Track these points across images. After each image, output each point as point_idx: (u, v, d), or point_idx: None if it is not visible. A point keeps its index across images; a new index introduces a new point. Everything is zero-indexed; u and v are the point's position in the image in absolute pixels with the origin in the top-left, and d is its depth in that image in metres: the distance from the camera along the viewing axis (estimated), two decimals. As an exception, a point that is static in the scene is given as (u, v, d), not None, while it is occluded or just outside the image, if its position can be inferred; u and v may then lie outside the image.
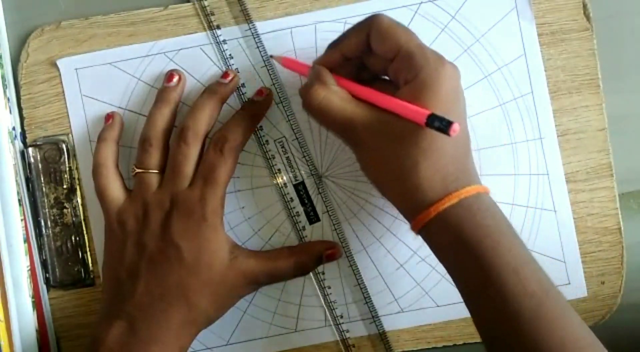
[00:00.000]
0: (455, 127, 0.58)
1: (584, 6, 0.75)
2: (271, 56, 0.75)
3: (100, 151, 0.72)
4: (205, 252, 0.68)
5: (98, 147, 0.73)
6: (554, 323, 0.58)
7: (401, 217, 0.68)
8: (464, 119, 0.65)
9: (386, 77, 0.68)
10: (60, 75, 0.74)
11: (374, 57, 0.67)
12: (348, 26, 0.69)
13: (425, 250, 0.68)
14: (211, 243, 0.68)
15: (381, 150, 0.63)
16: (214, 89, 0.72)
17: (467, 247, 0.61)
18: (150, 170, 0.70)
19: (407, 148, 0.62)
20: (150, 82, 0.75)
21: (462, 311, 0.68)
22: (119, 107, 0.75)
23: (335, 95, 0.65)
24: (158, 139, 0.71)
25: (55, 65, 0.74)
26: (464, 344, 0.77)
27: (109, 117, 0.74)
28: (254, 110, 0.73)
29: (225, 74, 0.73)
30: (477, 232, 0.61)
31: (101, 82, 0.75)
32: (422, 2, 0.74)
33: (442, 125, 0.59)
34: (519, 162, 0.75)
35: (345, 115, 0.64)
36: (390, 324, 0.76)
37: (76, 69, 0.74)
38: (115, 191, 0.72)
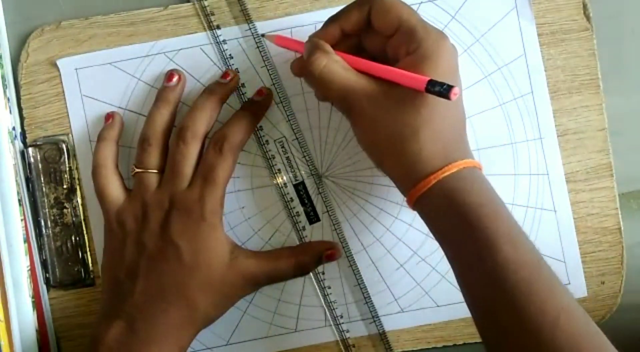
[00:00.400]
0: (456, 90, 0.59)
1: (584, 6, 0.75)
2: (262, 35, 0.75)
3: (99, 151, 0.72)
4: (204, 252, 0.68)
5: (98, 147, 0.73)
6: (549, 293, 0.58)
7: (401, 216, 0.68)
8: (461, 94, 0.65)
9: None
10: (60, 75, 0.74)
11: (372, 36, 0.68)
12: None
13: (426, 250, 0.69)
14: (210, 243, 0.68)
15: (381, 119, 0.64)
16: (213, 89, 0.72)
17: (464, 216, 0.61)
18: (150, 170, 0.70)
19: (407, 115, 0.62)
20: (150, 82, 0.75)
21: (462, 311, 0.68)
22: (119, 107, 0.75)
23: (337, 63, 0.65)
24: (157, 138, 0.71)
25: (55, 65, 0.74)
26: (464, 344, 0.77)
27: (109, 117, 0.74)
28: (254, 110, 0.73)
29: (225, 74, 0.73)
30: (475, 201, 0.61)
31: (101, 82, 0.75)
32: (422, 2, 0.74)
33: (443, 89, 0.59)
34: (519, 162, 0.75)
35: (347, 83, 0.64)
36: (390, 324, 0.76)
37: (76, 69, 0.74)
38: (115, 190, 0.72)
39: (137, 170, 0.71)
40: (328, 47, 0.66)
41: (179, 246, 0.68)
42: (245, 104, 0.74)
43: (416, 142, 0.62)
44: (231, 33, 0.74)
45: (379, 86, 0.64)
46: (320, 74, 0.65)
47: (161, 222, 0.69)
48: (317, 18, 0.74)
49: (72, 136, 0.75)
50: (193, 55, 0.75)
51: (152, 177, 0.71)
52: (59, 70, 0.74)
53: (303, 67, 0.68)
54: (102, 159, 0.72)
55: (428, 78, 0.60)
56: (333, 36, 0.68)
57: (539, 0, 0.75)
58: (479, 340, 0.74)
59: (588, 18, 0.75)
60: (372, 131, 0.65)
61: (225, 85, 0.72)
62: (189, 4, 0.75)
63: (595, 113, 0.75)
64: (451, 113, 0.64)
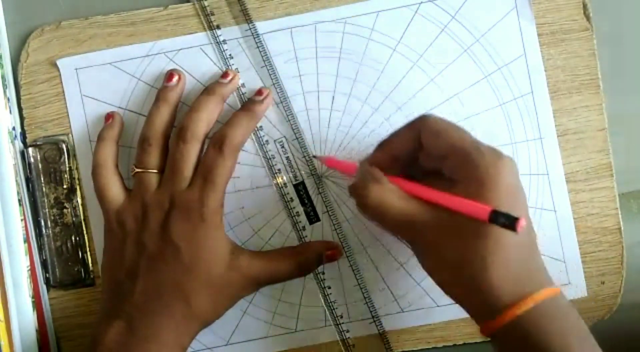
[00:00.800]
0: (522, 222, 0.57)
1: (584, 6, 0.75)
2: (314, 156, 0.75)
3: (99, 151, 0.72)
4: (204, 252, 0.68)
5: (98, 147, 0.73)
6: None
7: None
8: (527, 214, 0.63)
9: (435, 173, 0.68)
10: (60, 75, 0.74)
11: (425, 154, 0.66)
12: (348, 26, 0.70)
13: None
14: (210, 243, 0.68)
15: (444, 250, 0.62)
16: (213, 89, 0.72)
17: None
18: (150, 170, 0.70)
19: (472, 246, 0.60)
20: (150, 82, 0.75)
21: (462, 311, 0.68)
22: (119, 107, 0.75)
23: (392, 193, 0.63)
24: (157, 138, 0.71)
25: (55, 65, 0.74)
26: (464, 344, 0.76)
27: (109, 116, 0.74)
28: (254, 110, 0.73)
29: (225, 74, 0.73)
30: (553, 339, 0.59)
31: (101, 82, 0.75)
32: (422, 2, 0.74)
33: (508, 221, 0.57)
34: (519, 162, 0.75)
35: (404, 214, 0.62)
36: (390, 324, 0.76)
37: (76, 69, 0.74)
38: (115, 190, 0.72)
39: (137, 170, 0.71)
40: (380, 175, 0.64)
41: (179, 246, 0.67)
42: (245, 104, 0.74)
43: (485, 275, 0.60)
44: (231, 33, 0.74)
45: (438, 214, 0.62)
46: (376, 205, 0.63)
47: (161, 223, 0.69)
48: (317, 18, 0.74)
49: (72, 136, 0.75)
50: (193, 55, 0.75)
51: (152, 177, 0.71)
52: (59, 70, 0.74)
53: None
54: (102, 159, 0.72)
55: (490, 208, 0.58)
56: (385, 161, 0.67)
57: (539, 0, 0.75)
58: (478, 340, 0.74)
59: (588, 18, 0.75)
60: (436, 260, 0.63)
61: (225, 86, 0.72)
62: (188, 4, 0.75)
63: (595, 113, 0.75)
64: (519, 241, 0.60)
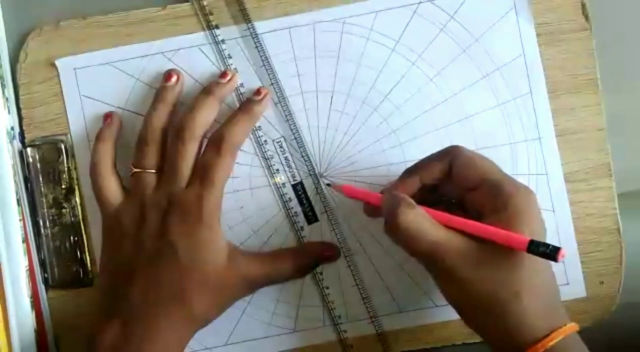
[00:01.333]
0: (563, 252, 0.58)
1: (583, 6, 0.75)
2: (328, 185, 0.75)
3: (97, 151, 0.72)
4: (201, 253, 0.68)
5: (96, 146, 0.73)
6: None
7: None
8: None
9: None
10: (58, 75, 0.74)
11: (450, 185, 0.67)
12: (347, 26, 0.70)
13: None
14: (208, 244, 0.68)
15: (475, 279, 0.61)
16: (212, 89, 0.72)
17: None
18: (148, 170, 0.70)
19: (506, 276, 0.61)
20: (149, 82, 0.75)
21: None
22: (118, 107, 0.74)
23: (424, 218, 0.63)
24: (155, 138, 0.71)
25: (53, 65, 0.74)
26: (464, 344, 0.76)
27: (107, 116, 0.74)
28: (252, 110, 0.73)
29: (223, 74, 0.73)
30: None
31: (100, 82, 0.74)
32: (420, 2, 0.74)
33: (549, 250, 0.58)
34: (518, 162, 0.75)
35: (435, 241, 0.62)
36: (389, 324, 0.76)
37: (75, 69, 0.74)
38: (113, 190, 0.72)
39: (135, 170, 0.71)
40: (410, 200, 0.64)
41: (177, 246, 0.67)
42: (243, 104, 0.74)
43: (518, 305, 0.60)
44: (230, 33, 0.74)
45: (470, 243, 0.62)
46: (407, 229, 0.62)
47: (159, 223, 0.69)
48: (316, 18, 0.74)
49: (71, 136, 0.75)
50: (191, 55, 0.75)
51: (150, 177, 0.70)
52: (57, 70, 0.74)
53: (374, 210, 0.69)
54: (100, 159, 0.72)
55: (528, 239, 0.59)
56: (412, 188, 0.67)
57: (538, 0, 0.75)
58: (478, 340, 0.74)
59: (587, 18, 0.75)
60: (465, 290, 0.62)
61: (223, 85, 0.72)
62: (187, 3, 0.75)
63: (594, 113, 0.75)
64: (549, 273, 0.62)
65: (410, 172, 0.68)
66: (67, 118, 0.75)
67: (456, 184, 0.66)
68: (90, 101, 0.74)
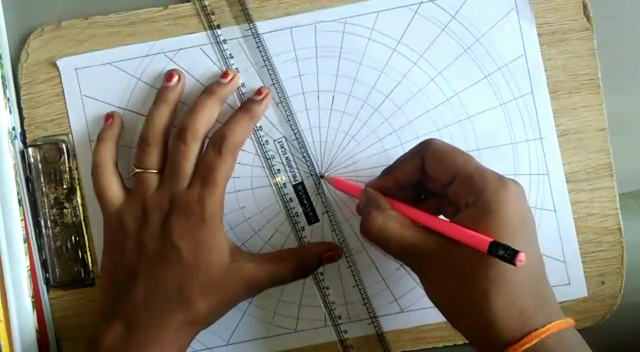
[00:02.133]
0: (521, 256, 0.55)
1: (584, 6, 0.75)
2: (322, 176, 0.75)
3: (99, 151, 0.72)
4: (203, 253, 0.68)
5: (97, 147, 0.73)
6: None
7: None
8: (534, 243, 0.62)
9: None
10: (60, 75, 0.74)
11: (431, 180, 0.66)
12: (348, 26, 0.70)
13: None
14: (210, 244, 0.68)
15: (446, 279, 0.61)
16: (213, 89, 0.72)
17: None
18: (150, 170, 0.70)
19: (474, 278, 0.59)
20: (150, 82, 0.75)
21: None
22: (119, 107, 0.75)
23: (394, 220, 0.63)
24: (157, 139, 0.71)
25: (55, 65, 0.74)
26: (464, 344, 0.76)
27: (109, 117, 0.74)
28: (253, 109, 0.73)
29: (224, 74, 0.73)
30: None
31: (101, 82, 0.75)
32: (422, 2, 0.74)
33: (507, 254, 0.56)
34: (519, 162, 0.75)
35: (405, 241, 0.62)
36: (390, 324, 0.76)
37: (76, 69, 0.74)
38: (114, 190, 0.72)
39: (137, 170, 0.71)
40: (383, 201, 0.65)
41: (179, 247, 0.67)
42: (244, 104, 0.74)
43: (487, 309, 0.58)
44: (231, 33, 0.75)
45: (440, 242, 0.61)
46: (377, 233, 0.63)
47: (161, 223, 0.69)
48: (317, 18, 0.74)
49: (72, 136, 0.75)
50: (193, 55, 0.75)
51: (152, 177, 0.70)
52: (58, 70, 0.74)
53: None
54: (101, 159, 0.72)
55: (490, 239, 0.57)
56: (388, 187, 0.67)
57: (539, 0, 0.75)
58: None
59: (588, 18, 0.75)
60: (438, 289, 0.62)
61: (225, 85, 0.72)
62: (188, 3, 0.75)
63: (596, 113, 0.75)
64: (525, 272, 0.59)
65: (387, 171, 0.68)
66: (68, 118, 0.75)
67: (432, 180, 0.65)
68: (91, 101, 0.74)
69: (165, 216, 0.69)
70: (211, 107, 0.71)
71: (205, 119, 0.70)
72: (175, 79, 0.73)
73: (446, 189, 0.64)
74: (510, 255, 0.55)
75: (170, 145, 0.71)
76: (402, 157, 0.67)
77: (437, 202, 0.67)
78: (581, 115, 0.75)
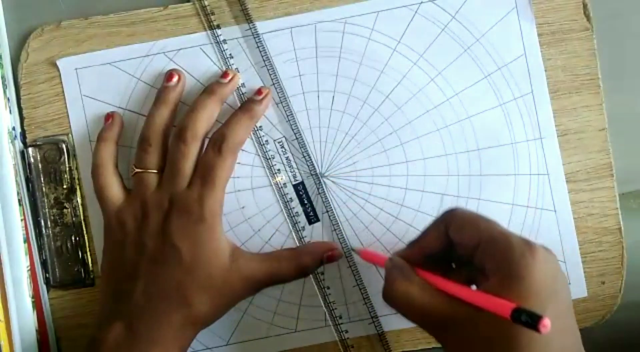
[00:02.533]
0: (546, 322, 0.51)
1: (584, 6, 0.75)
2: (353, 249, 0.75)
3: (99, 151, 0.73)
4: (203, 253, 0.68)
5: (97, 147, 0.73)
6: None
7: (401, 216, 0.69)
8: (567, 311, 0.59)
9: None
10: (60, 75, 0.74)
11: (457, 248, 0.63)
12: (348, 26, 0.70)
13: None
14: (209, 244, 0.68)
15: (473, 349, 0.58)
16: (213, 89, 0.72)
17: None
18: (149, 170, 0.70)
19: (501, 347, 0.56)
20: (150, 82, 0.75)
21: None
22: (119, 107, 0.75)
23: (417, 286, 0.61)
24: (157, 138, 0.71)
25: (55, 65, 0.74)
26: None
27: (109, 116, 0.74)
28: (253, 109, 0.73)
29: (224, 74, 0.73)
30: None
31: (101, 82, 0.75)
32: (422, 2, 0.74)
33: (530, 320, 0.52)
34: (519, 162, 0.75)
35: (429, 309, 0.59)
36: (390, 324, 0.76)
37: (76, 69, 0.74)
38: (114, 190, 0.72)
39: (137, 170, 0.71)
40: (407, 268, 0.63)
41: (178, 247, 0.67)
42: (244, 104, 0.74)
43: None
44: (231, 33, 0.74)
45: (466, 310, 0.57)
46: (400, 299, 0.61)
47: (161, 223, 0.69)
48: (317, 18, 0.74)
49: (72, 136, 0.75)
50: (193, 55, 0.75)
51: (151, 177, 0.70)
52: (58, 70, 0.74)
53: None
54: (101, 159, 0.72)
55: (513, 305, 0.53)
56: (414, 257, 0.65)
57: (539, 0, 0.75)
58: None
59: (588, 18, 0.75)
60: None
61: (224, 85, 0.72)
62: (188, 3, 0.75)
63: (596, 113, 0.75)
64: (558, 341, 0.56)
65: (412, 244, 0.66)
66: (68, 118, 0.75)
67: (458, 247, 0.63)
68: (91, 101, 0.74)
69: (164, 215, 0.69)
70: (211, 107, 0.71)
71: (205, 118, 0.71)
72: (175, 79, 0.73)
73: (471, 258, 0.62)
74: (534, 321, 0.52)
75: (170, 145, 0.71)
76: (426, 229, 0.65)
77: (468, 271, 0.64)
78: (581, 115, 0.75)
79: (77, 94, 0.74)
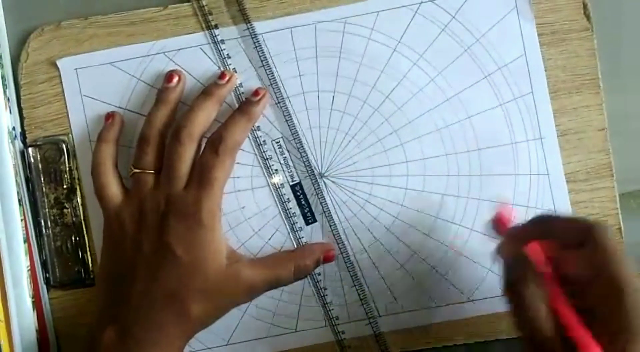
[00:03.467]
0: None
1: (584, 6, 0.75)
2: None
3: (99, 151, 0.73)
4: (200, 255, 0.68)
5: (97, 147, 0.73)
6: None
7: (401, 216, 0.68)
8: None
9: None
10: (60, 75, 0.74)
11: (574, 258, 0.60)
12: (348, 26, 0.71)
13: (426, 250, 0.69)
14: (206, 246, 0.68)
15: None
16: (210, 90, 0.72)
17: None
18: (147, 171, 0.71)
19: None
20: (150, 82, 0.75)
21: (462, 312, 0.68)
22: (119, 107, 0.75)
23: (536, 296, 0.58)
24: (155, 139, 0.71)
25: (55, 65, 0.74)
26: (464, 344, 0.76)
27: (109, 116, 0.74)
28: (250, 110, 0.72)
29: (221, 75, 0.73)
30: None
31: (101, 82, 0.75)
32: (422, 2, 0.74)
33: None
34: (519, 162, 0.75)
35: (537, 325, 0.57)
36: (390, 323, 0.76)
37: (76, 69, 0.74)
38: (114, 190, 0.72)
39: (135, 170, 0.71)
40: (532, 272, 0.59)
41: (175, 249, 0.67)
42: (241, 105, 0.74)
43: None
44: (229, 33, 0.75)
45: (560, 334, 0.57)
46: (520, 299, 0.58)
47: (158, 224, 0.69)
48: (317, 18, 0.75)
49: (72, 136, 0.75)
50: (193, 55, 0.75)
51: (149, 177, 0.71)
52: (59, 70, 0.74)
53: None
54: (101, 159, 0.73)
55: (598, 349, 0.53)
56: (534, 236, 0.62)
57: (539, 0, 0.75)
58: (478, 339, 0.74)
59: (588, 18, 0.75)
60: None
61: (222, 87, 0.73)
62: (188, 3, 0.75)
63: (596, 113, 0.75)
64: None
65: (541, 222, 0.63)
66: (68, 118, 0.75)
67: (578, 264, 0.59)
68: (91, 101, 0.75)
69: (161, 217, 0.69)
70: (208, 108, 0.71)
71: (202, 119, 0.71)
72: (175, 79, 0.73)
73: (580, 281, 0.59)
74: None
75: (167, 145, 0.71)
76: (563, 219, 0.63)
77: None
78: (581, 115, 0.75)
79: (77, 94, 0.74)
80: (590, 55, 0.75)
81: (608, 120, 0.75)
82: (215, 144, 0.70)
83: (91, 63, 0.75)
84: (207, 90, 0.73)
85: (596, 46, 0.75)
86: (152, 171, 0.71)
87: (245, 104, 0.73)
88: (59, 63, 0.74)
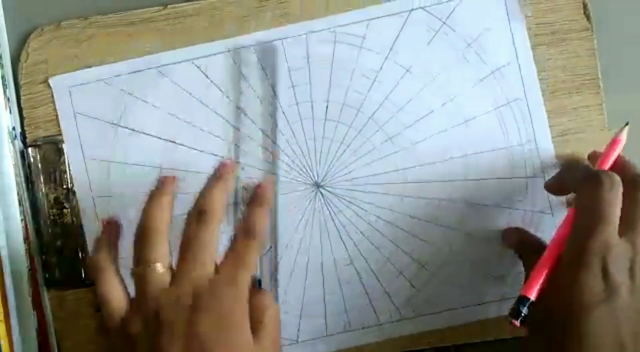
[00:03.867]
0: None
1: (584, 6, 0.75)
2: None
3: (98, 255, 0.65)
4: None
5: (95, 253, 0.65)
6: None
7: (399, 224, 0.69)
8: None
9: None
10: (52, 94, 0.75)
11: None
12: (339, 35, 0.71)
13: (425, 257, 0.69)
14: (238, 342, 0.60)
15: (544, 340, 0.62)
16: (219, 175, 0.66)
17: None
18: (158, 265, 0.61)
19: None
20: (143, 98, 0.75)
21: (462, 317, 0.69)
22: (113, 124, 0.75)
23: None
24: (161, 230, 0.63)
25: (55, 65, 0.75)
26: (464, 344, 0.76)
27: (106, 227, 0.67)
28: (266, 198, 0.66)
29: (223, 165, 0.67)
30: None
31: (94, 99, 0.75)
32: (412, 9, 0.74)
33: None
34: (515, 166, 0.75)
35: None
36: (391, 331, 0.76)
37: (69, 88, 0.75)
38: (118, 295, 0.63)
39: (141, 267, 0.61)
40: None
41: (208, 347, 0.58)
42: (255, 196, 0.67)
43: None
44: (222, 46, 0.75)
45: (543, 299, 0.64)
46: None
47: (185, 323, 0.58)
48: (308, 28, 0.75)
49: (66, 157, 0.75)
50: (186, 69, 0.75)
51: (162, 272, 0.61)
52: (51, 89, 0.75)
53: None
54: (102, 262, 0.64)
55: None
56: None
57: (539, 0, 0.75)
58: (477, 340, 0.74)
59: (588, 18, 0.75)
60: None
61: (226, 171, 0.66)
62: (188, 3, 0.75)
63: (596, 113, 0.75)
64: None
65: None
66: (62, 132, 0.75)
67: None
68: (84, 118, 0.75)
69: (189, 313, 0.59)
70: (223, 190, 0.65)
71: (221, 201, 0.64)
72: (169, 180, 0.66)
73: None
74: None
75: (188, 230, 0.63)
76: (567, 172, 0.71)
77: None
78: (581, 115, 0.75)
79: (70, 111, 0.75)
80: (590, 55, 0.75)
81: (608, 120, 0.75)
82: (247, 228, 0.63)
83: (84, 80, 0.75)
84: (215, 175, 0.66)
85: (596, 46, 0.75)
86: (163, 264, 0.62)
87: (261, 192, 0.67)
88: (52, 82, 0.75)
